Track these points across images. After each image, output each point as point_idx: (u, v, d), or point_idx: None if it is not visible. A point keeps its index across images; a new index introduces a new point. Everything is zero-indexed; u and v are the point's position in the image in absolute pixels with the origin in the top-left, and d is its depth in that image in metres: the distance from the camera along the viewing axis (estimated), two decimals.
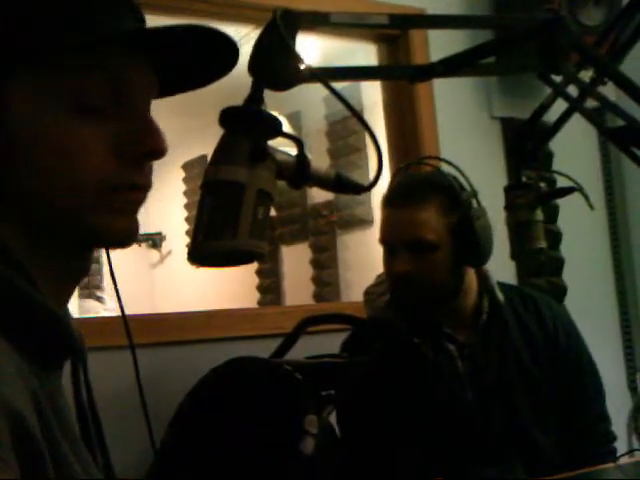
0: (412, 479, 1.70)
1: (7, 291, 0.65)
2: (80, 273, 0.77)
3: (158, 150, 0.75)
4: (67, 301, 0.77)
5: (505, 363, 1.80)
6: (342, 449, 1.85)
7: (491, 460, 1.73)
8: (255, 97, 0.94)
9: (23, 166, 0.70)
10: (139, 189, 0.75)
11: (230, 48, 0.78)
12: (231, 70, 0.81)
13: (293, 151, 0.95)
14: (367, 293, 1.97)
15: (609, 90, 1.25)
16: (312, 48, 3.34)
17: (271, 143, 0.93)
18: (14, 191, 0.70)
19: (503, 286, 1.91)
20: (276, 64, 0.96)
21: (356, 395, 1.74)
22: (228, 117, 0.92)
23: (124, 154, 0.73)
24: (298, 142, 0.93)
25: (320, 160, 3.77)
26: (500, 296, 1.85)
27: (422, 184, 1.79)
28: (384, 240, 1.79)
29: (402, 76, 1.33)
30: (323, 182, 0.97)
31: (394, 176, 1.92)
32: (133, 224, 0.76)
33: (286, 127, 3.50)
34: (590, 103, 1.24)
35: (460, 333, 1.82)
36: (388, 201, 1.80)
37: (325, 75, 0.98)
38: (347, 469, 1.81)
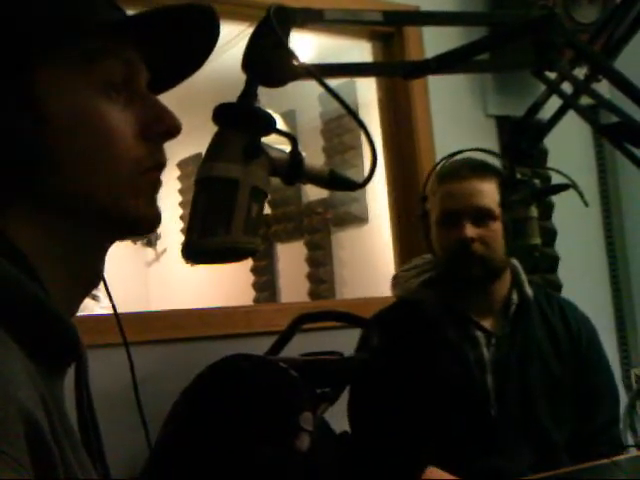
0: (418, 461, 1.71)
1: (18, 297, 0.65)
2: (95, 279, 0.77)
3: (177, 128, 0.77)
4: (77, 308, 0.76)
5: (528, 356, 1.84)
6: (339, 445, 1.86)
7: (502, 448, 1.74)
8: (249, 94, 0.94)
9: (65, 155, 0.69)
10: (161, 168, 0.77)
11: (211, 22, 0.79)
12: (214, 44, 0.82)
13: (287, 149, 0.95)
14: (396, 277, 2.00)
15: (603, 87, 1.25)
16: (307, 46, 3.34)
17: (265, 140, 0.93)
18: (52, 185, 0.69)
19: (530, 283, 1.94)
20: (270, 61, 0.96)
21: (373, 377, 1.77)
22: (221, 114, 0.92)
23: (149, 135, 0.75)
24: (292, 139, 0.93)
25: (315, 158, 3.76)
26: (529, 291, 1.90)
27: (482, 162, 1.90)
28: (447, 210, 1.82)
29: (396, 72, 1.33)
30: (317, 179, 0.97)
31: (438, 164, 1.98)
32: (158, 208, 0.77)
33: (281, 125, 3.50)
34: (584, 100, 1.24)
35: (488, 322, 1.86)
36: (449, 175, 1.85)
37: (319, 72, 0.98)
38: (349, 461, 1.81)
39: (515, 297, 1.88)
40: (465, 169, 1.86)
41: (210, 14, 0.78)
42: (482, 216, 1.80)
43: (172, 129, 0.76)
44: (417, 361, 1.80)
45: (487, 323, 1.86)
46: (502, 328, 1.85)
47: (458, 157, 1.94)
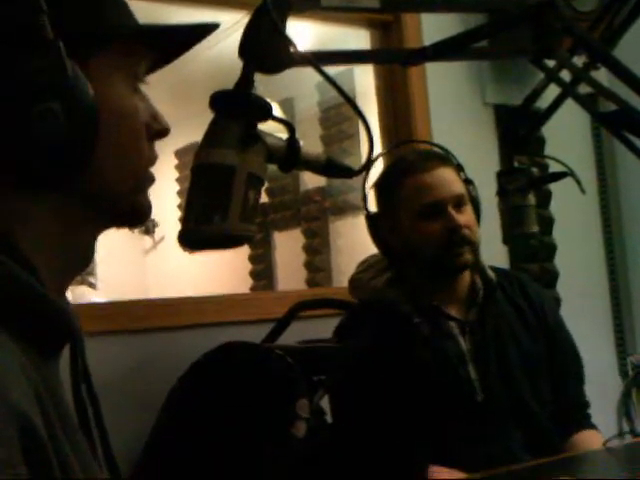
0: (410, 460, 1.71)
1: (5, 280, 0.65)
2: (87, 262, 0.78)
3: (168, 129, 0.79)
4: (67, 289, 0.77)
5: (503, 338, 1.84)
6: (333, 433, 1.86)
7: (493, 434, 1.75)
8: (245, 81, 0.94)
9: (103, 143, 0.70)
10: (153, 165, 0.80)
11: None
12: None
13: (284, 137, 0.94)
14: (354, 280, 1.98)
15: (602, 75, 1.25)
16: (305, 34, 3.33)
17: (262, 127, 0.93)
18: (85, 170, 0.70)
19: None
20: (267, 47, 0.96)
21: (354, 377, 1.76)
22: (218, 101, 0.92)
23: (150, 132, 0.77)
24: (289, 126, 0.93)
25: (313, 147, 3.75)
26: (492, 274, 1.90)
27: (436, 152, 1.95)
28: (429, 202, 1.80)
29: (394, 60, 1.33)
30: (314, 166, 0.97)
31: (387, 154, 2.06)
32: (150, 202, 0.79)
33: (279, 114, 3.49)
34: (583, 89, 1.24)
35: (456, 312, 1.86)
36: (419, 167, 1.84)
37: (316, 59, 0.98)
38: (339, 453, 1.82)
39: (479, 282, 1.89)
40: (431, 159, 1.87)
41: (214, 27, 0.81)
42: (460, 202, 1.81)
43: (165, 130, 0.79)
44: (397, 360, 1.79)
45: (456, 312, 1.86)
46: (472, 315, 1.85)
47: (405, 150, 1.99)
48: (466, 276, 1.88)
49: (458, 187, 1.83)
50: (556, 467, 1.52)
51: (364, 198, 1.94)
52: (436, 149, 2.00)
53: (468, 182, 1.89)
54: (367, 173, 1.89)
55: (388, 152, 2.10)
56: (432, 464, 1.69)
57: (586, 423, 1.90)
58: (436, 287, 1.86)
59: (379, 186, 1.93)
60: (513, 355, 1.83)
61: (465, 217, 1.81)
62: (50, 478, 0.59)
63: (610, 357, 3.05)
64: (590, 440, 1.84)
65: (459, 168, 1.90)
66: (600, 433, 1.88)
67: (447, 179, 1.82)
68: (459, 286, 1.88)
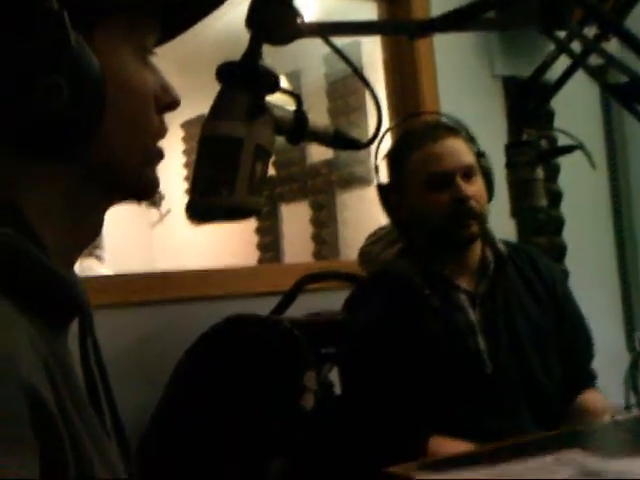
0: (417, 431, 1.72)
1: (13, 254, 0.64)
2: (94, 235, 0.78)
3: (179, 101, 0.78)
4: (75, 263, 0.77)
5: (513, 311, 1.84)
6: (342, 405, 1.87)
7: (501, 407, 1.76)
8: (253, 51, 0.92)
9: (111, 116, 0.69)
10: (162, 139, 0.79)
11: None
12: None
13: (291, 109, 0.94)
14: (364, 252, 1.97)
15: (612, 47, 1.24)
16: (313, 6, 3.31)
17: (269, 99, 0.92)
18: (88, 143, 0.69)
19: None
20: (274, 18, 0.95)
21: (363, 348, 1.77)
22: (225, 72, 0.91)
23: (159, 104, 0.76)
24: (296, 97, 0.92)
25: (320, 120, 3.73)
26: (502, 247, 1.90)
27: (445, 123, 1.93)
28: (437, 172, 1.80)
29: (402, 31, 1.31)
30: (321, 138, 0.96)
31: (395, 127, 2.05)
32: (158, 176, 0.79)
33: (285, 87, 3.47)
34: (593, 61, 1.22)
35: (466, 284, 1.86)
36: (427, 137, 1.83)
37: (324, 30, 0.97)
38: (347, 424, 1.83)
39: (490, 255, 1.88)
40: (439, 130, 1.86)
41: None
42: (469, 173, 1.80)
43: (175, 102, 0.78)
44: (407, 331, 1.79)
45: (466, 285, 1.86)
46: (483, 287, 1.85)
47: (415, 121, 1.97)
48: (476, 248, 1.87)
49: (467, 158, 1.81)
50: (562, 439, 1.52)
51: (376, 169, 1.94)
52: (447, 120, 1.99)
53: (480, 154, 1.87)
54: (378, 144, 1.90)
55: (400, 124, 2.09)
56: (437, 435, 1.69)
57: (590, 387, 1.91)
58: (446, 259, 1.86)
59: (389, 157, 1.94)
60: (523, 328, 1.83)
61: (474, 188, 1.80)
62: (61, 452, 0.59)
63: (618, 331, 3.05)
64: (593, 398, 1.85)
65: (471, 140, 1.89)
66: (603, 395, 1.90)
67: (456, 149, 1.81)
68: (469, 258, 1.87)
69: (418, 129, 1.93)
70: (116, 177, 0.73)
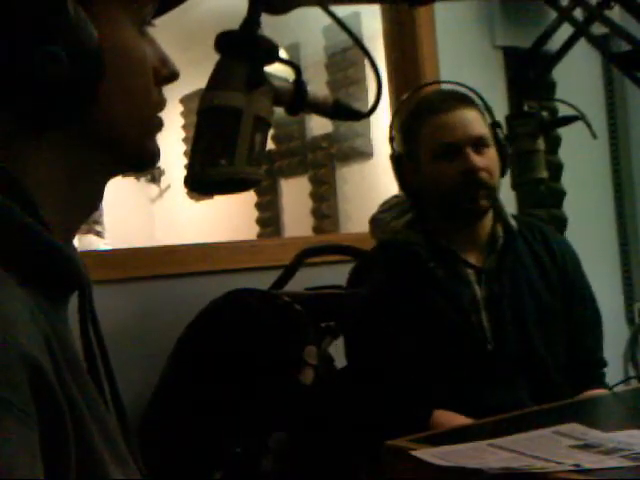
0: (420, 403, 1.72)
1: (11, 226, 0.64)
2: (94, 207, 0.78)
3: (178, 74, 0.78)
4: (74, 236, 0.77)
5: (520, 288, 1.82)
6: (342, 378, 1.87)
7: (501, 383, 1.75)
8: (251, 21, 0.91)
9: (110, 86, 0.69)
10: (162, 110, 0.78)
11: None
12: None
13: (290, 80, 0.93)
14: (375, 219, 1.96)
15: (615, 15, 1.22)
16: None
17: (268, 70, 0.91)
18: (89, 113, 0.69)
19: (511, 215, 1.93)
20: None
21: (366, 319, 1.78)
22: (224, 42, 0.89)
23: (158, 76, 0.76)
24: (295, 68, 0.91)
25: (319, 92, 3.72)
26: (513, 223, 1.87)
27: (460, 92, 1.89)
28: (447, 142, 1.78)
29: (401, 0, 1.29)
30: (321, 109, 0.95)
31: (406, 99, 2.02)
32: (158, 147, 0.78)
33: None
34: (595, 30, 1.21)
35: (474, 258, 1.84)
36: (439, 107, 1.81)
37: None
38: (350, 396, 1.83)
39: (500, 230, 1.86)
40: (452, 100, 1.83)
41: None
42: (481, 144, 1.78)
43: (174, 74, 0.77)
44: (411, 302, 1.79)
45: (474, 259, 1.84)
46: (490, 263, 1.83)
47: (430, 90, 1.94)
48: (487, 222, 1.85)
49: (478, 128, 1.79)
50: (560, 413, 1.52)
51: (391, 139, 1.94)
52: (463, 90, 1.93)
53: (495, 125, 1.85)
54: (393, 116, 1.89)
55: (412, 94, 2.06)
56: (438, 408, 1.69)
57: (598, 382, 1.87)
58: (455, 232, 1.84)
59: (402, 127, 1.93)
60: (529, 306, 1.81)
61: (485, 160, 1.77)
62: (60, 422, 0.59)
63: (617, 303, 3.05)
64: None
65: (486, 110, 1.87)
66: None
67: (467, 119, 1.79)
68: (479, 232, 1.85)
69: (432, 98, 1.90)
70: (117, 147, 0.73)
